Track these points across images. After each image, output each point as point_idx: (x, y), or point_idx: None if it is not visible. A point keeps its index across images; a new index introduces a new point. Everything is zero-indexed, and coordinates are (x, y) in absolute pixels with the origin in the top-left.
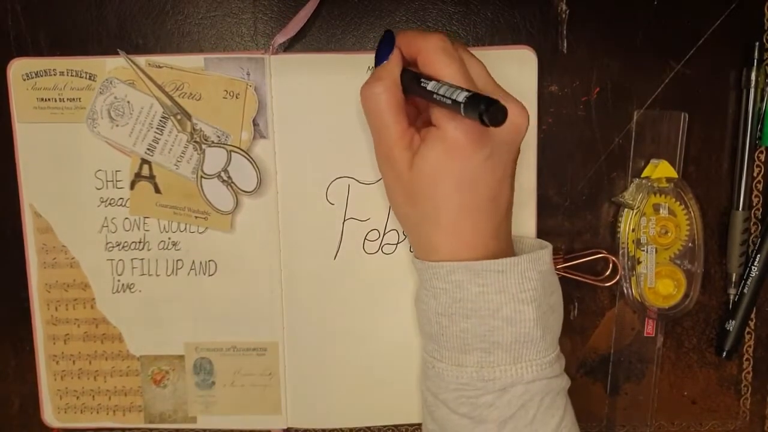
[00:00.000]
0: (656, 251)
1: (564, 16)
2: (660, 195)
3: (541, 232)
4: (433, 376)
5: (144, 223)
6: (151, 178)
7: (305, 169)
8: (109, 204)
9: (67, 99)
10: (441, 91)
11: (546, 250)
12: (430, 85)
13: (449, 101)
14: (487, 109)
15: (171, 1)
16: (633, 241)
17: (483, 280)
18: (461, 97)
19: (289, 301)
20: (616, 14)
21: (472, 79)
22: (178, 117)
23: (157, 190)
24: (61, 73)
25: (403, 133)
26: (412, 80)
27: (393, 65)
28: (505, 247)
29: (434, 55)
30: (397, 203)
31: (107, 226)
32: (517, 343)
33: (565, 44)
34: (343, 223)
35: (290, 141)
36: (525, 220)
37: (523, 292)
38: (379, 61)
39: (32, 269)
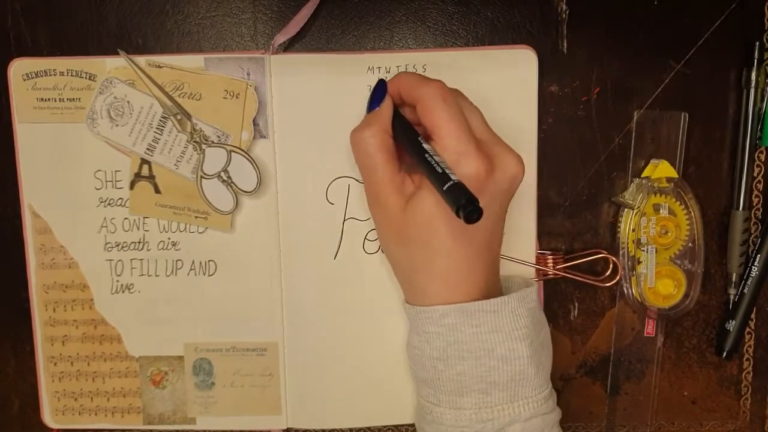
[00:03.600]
0: (656, 251)
1: (564, 16)
2: (660, 195)
3: (541, 232)
4: (432, 421)
5: (143, 224)
6: (151, 178)
7: (305, 169)
8: (109, 204)
9: (67, 99)
10: (431, 160)
11: (532, 288)
12: (417, 155)
13: (433, 176)
14: (464, 206)
15: (171, 1)
16: (633, 241)
17: (477, 321)
18: (443, 183)
19: (289, 301)
20: (616, 14)
21: (470, 130)
22: (178, 117)
23: (157, 190)
24: (61, 73)
25: (393, 177)
26: (405, 133)
27: (384, 112)
28: (494, 287)
29: (434, 103)
30: (387, 244)
31: (106, 227)
32: (512, 381)
33: (565, 44)
34: (343, 223)
35: (290, 141)
36: (525, 220)
37: (515, 330)
38: (371, 107)
39: (31, 270)
